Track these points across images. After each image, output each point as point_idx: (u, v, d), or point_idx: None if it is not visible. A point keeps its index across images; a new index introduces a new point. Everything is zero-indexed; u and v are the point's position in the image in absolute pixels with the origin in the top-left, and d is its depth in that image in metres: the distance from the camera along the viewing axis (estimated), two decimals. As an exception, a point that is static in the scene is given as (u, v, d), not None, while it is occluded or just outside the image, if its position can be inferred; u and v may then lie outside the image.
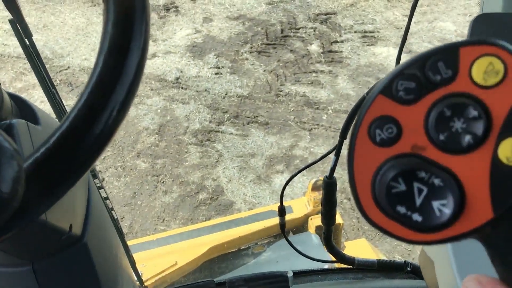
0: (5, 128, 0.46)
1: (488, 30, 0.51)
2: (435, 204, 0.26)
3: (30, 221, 0.34)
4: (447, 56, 0.26)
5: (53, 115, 0.95)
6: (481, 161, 0.25)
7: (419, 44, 3.82)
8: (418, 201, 0.26)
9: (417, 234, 0.27)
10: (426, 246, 0.30)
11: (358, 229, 2.53)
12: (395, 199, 0.26)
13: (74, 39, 4.08)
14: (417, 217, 0.26)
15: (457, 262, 0.38)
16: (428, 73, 0.26)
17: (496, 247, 0.27)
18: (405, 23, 4.27)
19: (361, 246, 1.72)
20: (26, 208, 0.34)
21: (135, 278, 1.15)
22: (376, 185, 0.27)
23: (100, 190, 0.95)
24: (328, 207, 0.93)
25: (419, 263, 0.44)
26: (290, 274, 0.80)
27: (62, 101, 0.91)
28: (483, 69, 0.25)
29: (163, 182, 2.85)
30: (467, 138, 0.25)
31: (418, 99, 0.26)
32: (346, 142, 0.83)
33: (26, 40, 0.82)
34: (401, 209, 0.26)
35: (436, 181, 0.26)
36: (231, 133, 3.15)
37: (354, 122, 0.28)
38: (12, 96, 0.54)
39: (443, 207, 0.26)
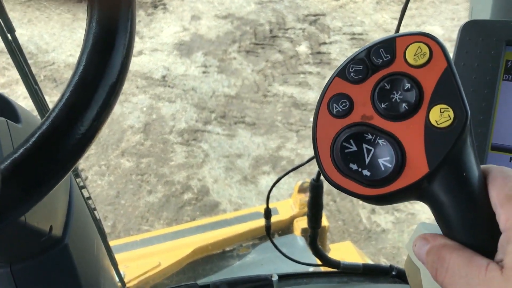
0: (-18, 126, 0.44)
1: (476, 37, 0.52)
2: (381, 161, 0.31)
3: (7, 225, 0.32)
4: (387, 44, 0.32)
5: (36, 112, 0.93)
6: (416, 125, 0.31)
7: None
8: (367, 159, 0.32)
9: (367, 189, 0.32)
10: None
11: (343, 231, 2.54)
12: (348, 158, 0.32)
13: (60, 35, 4.02)
14: (366, 172, 0.31)
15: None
16: (372, 58, 0.32)
17: (433, 201, 0.32)
18: (393, 26, 4.31)
19: (346, 249, 1.73)
20: (3, 211, 0.32)
21: (117, 279, 1.13)
22: (334, 149, 0.33)
23: (82, 190, 0.93)
24: (314, 210, 0.92)
25: (404, 269, 0.44)
26: (275, 278, 0.79)
27: (44, 98, 0.89)
28: (414, 52, 0.32)
29: (147, 182, 2.83)
30: (404, 106, 0.31)
31: (365, 78, 0.33)
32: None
33: (8, 35, 0.80)
34: (353, 166, 0.32)
35: (381, 142, 0.31)
36: (218, 133, 3.13)
37: (317, 100, 0.34)
38: (-9, 94, 0.52)
39: (387, 163, 0.31)
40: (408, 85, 0.31)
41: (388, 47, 0.32)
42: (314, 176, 0.90)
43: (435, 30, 4.12)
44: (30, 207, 0.34)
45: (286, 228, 1.82)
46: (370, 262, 1.63)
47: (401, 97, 0.32)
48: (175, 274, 1.61)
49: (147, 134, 3.14)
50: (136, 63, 3.72)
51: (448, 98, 0.31)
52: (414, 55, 0.32)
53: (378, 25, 4.21)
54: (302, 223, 1.76)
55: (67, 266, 0.60)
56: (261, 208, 1.90)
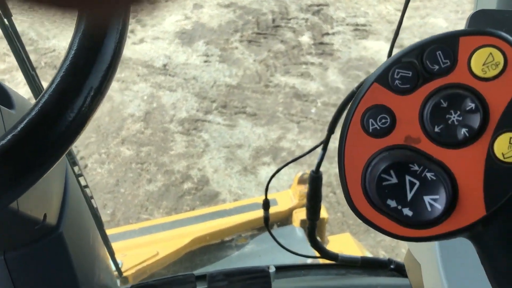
0: (-26, 111, 0.43)
1: (485, 27, 0.50)
2: (427, 199, 0.25)
3: (-6, 212, 0.32)
4: (446, 45, 0.25)
5: (34, 99, 0.92)
6: (476, 156, 0.25)
7: (410, 40, 3.81)
8: (410, 195, 0.25)
9: (407, 230, 0.26)
10: (415, 242, 0.29)
11: (342, 223, 2.54)
12: (386, 192, 0.25)
13: (61, 22, 3.99)
14: (407, 211, 0.25)
15: (445, 266, 0.38)
16: (426, 62, 0.25)
17: (486, 246, 0.26)
18: (397, 18, 4.26)
19: (345, 241, 1.72)
20: None
21: (114, 268, 1.13)
22: (367, 177, 0.26)
23: (79, 178, 0.92)
24: (313, 201, 0.92)
25: (404, 264, 0.43)
26: (272, 270, 0.78)
27: (41, 84, 0.88)
28: (483, 61, 0.25)
29: (147, 170, 2.82)
30: (463, 132, 0.25)
31: (414, 89, 0.26)
32: (335, 136, 0.82)
33: (5, 20, 0.79)
34: (392, 203, 0.25)
35: (429, 175, 0.25)
36: (219, 123, 3.12)
37: (347, 110, 0.27)
38: (-16, 78, 0.52)
39: (435, 202, 0.25)
40: (471, 105, 0.24)
41: (448, 49, 0.25)
42: (314, 167, 0.89)
43: (439, 22, 4.08)
44: (19, 194, 0.33)
45: (285, 219, 1.82)
46: (368, 254, 1.63)
47: (461, 119, 0.25)
48: (173, 263, 1.61)
49: (147, 123, 3.13)
50: (138, 51, 3.70)
51: None
52: (483, 64, 0.25)
53: (382, 16, 4.18)
54: (301, 214, 1.75)
55: (62, 254, 0.59)
56: (260, 199, 1.89)
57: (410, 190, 0.25)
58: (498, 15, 0.51)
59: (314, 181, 0.89)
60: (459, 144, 0.25)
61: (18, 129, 0.31)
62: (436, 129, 0.25)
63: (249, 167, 2.83)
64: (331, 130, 0.82)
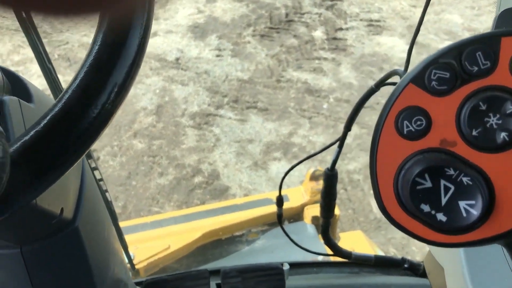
0: (-5, 105, 0.43)
1: None
2: (462, 204, 0.24)
3: (16, 210, 0.31)
4: (487, 46, 0.24)
5: (49, 91, 0.92)
6: None
7: (425, 36, 3.77)
8: (444, 200, 0.24)
9: (441, 236, 0.25)
10: (447, 248, 0.28)
11: (353, 220, 2.53)
12: (419, 196, 0.24)
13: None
14: (441, 216, 0.24)
15: (470, 270, 0.37)
16: (464, 63, 0.24)
17: None
18: (411, 13, 4.22)
19: (357, 238, 1.71)
20: (12, 195, 0.31)
21: (127, 261, 1.14)
22: (400, 180, 0.25)
23: (94, 171, 0.92)
24: (328, 199, 0.91)
25: (425, 266, 0.42)
26: (286, 267, 0.78)
27: (58, 77, 0.88)
28: None
29: (159, 164, 2.83)
30: (502, 136, 0.24)
31: (451, 90, 0.25)
32: (350, 133, 0.81)
33: (23, 12, 0.79)
34: (425, 208, 0.24)
35: (465, 180, 0.24)
36: (230, 118, 3.12)
37: (380, 111, 0.26)
38: (4, 71, 0.51)
39: (470, 208, 0.24)
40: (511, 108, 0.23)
41: (489, 50, 0.24)
42: (325, 164, 0.88)
43: (454, 19, 4.03)
44: (41, 192, 0.33)
45: (296, 215, 1.82)
46: (380, 253, 1.62)
47: (500, 122, 0.24)
48: (185, 257, 1.62)
49: (159, 116, 3.13)
50: (150, 45, 3.70)
51: None
52: None
53: (396, 12, 4.13)
54: (312, 210, 1.75)
55: (77, 248, 0.59)
56: (271, 195, 1.89)
57: (445, 195, 0.24)
58: None
59: (329, 179, 0.88)
60: (497, 149, 0.24)
61: (41, 125, 0.31)
62: (474, 133, 0.24)
63: (260, 162, 2.83)
64: (348, 127, 0.81)
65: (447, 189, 0.24)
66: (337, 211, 1.77)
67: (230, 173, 2.78)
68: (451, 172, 0.24)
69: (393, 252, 2.39)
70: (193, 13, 4.10)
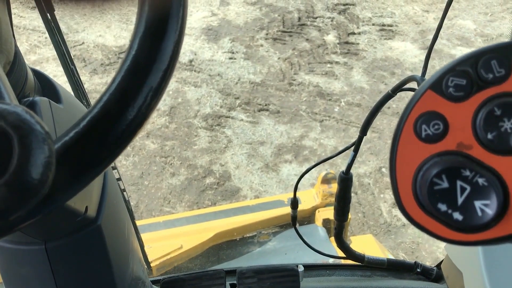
0: (27, 105, 0.45)
1: None
2: (478, 204, 0.25)
3: (55, 208, 0.33)
4: (502, 54, 0.25)
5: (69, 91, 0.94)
6: None
7: (438, 41, 3.75)
8: (460, 199, 0.25)
9: (457, 234, 0.26)
10: (457, 251, 0.29)
11: (363, 223, 2.53)
12: (437, 196, 0.26)
13: (90, 15, 4.06)
14: (458, 216, 0.25)
15: (489, 275, 0.37)
16: (480, 71, 0.26)
17: None
18: (424, 19, 4.19)
19: (367, 242, 1.72)
20: (54, 194, 0.32)
21: (144, 260, 1.15)
22: (418, 181, 0.27)
23: (113, 171, 0.94)
24: (342, 203, 0.91)
25: (443, 271, 0.43)
26: (301, 269, 0.79)
27: (80, 78, 0.90)
28: None
29: (171, 164, 2.85)
30: None
31: (467, 96, 0.26)
32: (365, 138, 0.82)
33: (48, 14, 0.81)
34: (442, 207, 0.26)
35: (480, 181, 0.25)
36: (242, 120, 3.14)
37: (400, 116, 0.27)
38: (36, 73, 0.53)
39: (486, 208, 0.25)
40: None
41: (504, 58, 0.25)
42: (336, 167, 0.89)
43: (467, 24, 4.02)
44: (79, 190, 0.34)
45: (308, 217, 1.82)
46: (391, 257, 1.62)
47: None
48: (197, 257, 1.63)
49: (172, 117, 3.16)
50: (164, 46, 3.72)
51: None
52: None
53: (409, 17, 4.13)
54: (324, 213, 1.75)
55: (99, 246, 0.60)
56: (283, 197, 1.90)
57: (461, 195, 0.26)
58: None
59: (344, 182, 0.89)
60: (511, 152, 0.25)
61: (81, 126, 0.32)
62: (489, 136, 0.26)
63: (271, 164, 2.84)
64: (363, 132, 0.81)
65: (463, 189, 0.25)
66: (349, 215, 1.78)
67: (241, 174, 2.79)
68: (467, 173, 0.25)
69: (403, 257, 2.38)
70: (207, 15, 4.12)
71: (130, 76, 0.33)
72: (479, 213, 0.25)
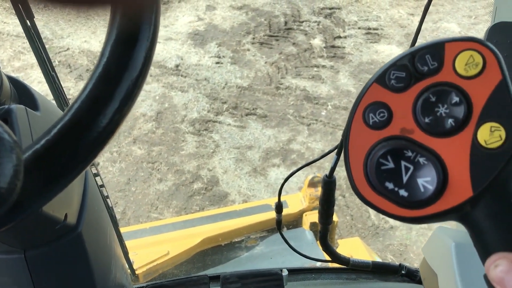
0: (3, 113, 0.44)
1: (504, 39, 0.51)
2: (420, 181, 0.28)
3: (28, 215, 0.32)
4: (434, 50, 0.29)
5: (50, 97, 0.93)
6: (462, 144, 0.28)
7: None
8: (405, 178, 0.29)
9: (403, 210, 0.29)
10: (431, 253, 0.31)
11: (351, 226, 2.53)
12: (384, 175, 0.29)
13: (75, 21, 4.03)
14: (403, 192, 0.29)
15: (462, 276, 0.38)
16: (417, 65, 0.29)
17: (475, 225, 0.29)
18: (409, 22, 4.23)
19: (355, 245, 1.72)
20: (24, 201, 0.32)
21: (127, 267, 1.14)
22: (368, 164, 0.30)
23: (96, 178, 0.93)
24: (326, 206, 0.92)
25: (420, 272, 0.44)
26: (285, 273, 0.79)
27: (61, 84, 0.89)
28: (465, 62, 0.29)
29: (158, 170, 2.84)
30: (449, 122, 0.28)
31: (407, 87, 0.30)
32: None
33: (27, 21, 0.81)
34: (389, 185, 0.29)
35: (421, 160, 0.29)
36: (229, 124, 3.13)
37: (351, 107, 0.31)
38: (12, 80, 0.52)
39: (427, 184, 0.28)
40: (456, 99, 0.28)
41: (436, 53, 0.29)
42: (323, 170, 0.89)
43: (451, 27, 4.06)
44: (51, 198, 0.34)
45: (295, 221, 1.83)
46: (378, 259, 1.63)
47: (447, 111, 0.29)
48: (184, 263, 1.62)
49: (159, 123, 3.15)
50: (150, 51, 3.71)
51: (500, 116, 0.28)
52: (465, 65, 0.29)
53: (394, 20, 4.16)
54: (311, 217, 1.76)
55: (80, 253, 0.60)
56: (270, 201, 1.90)
57: (406, 174, 0.29)
58: None
59: (327, 186, 0.89)
60: (446, 133, 0.29)
61: (52, 134, 0.32)
62: (427, 120, 0.29)
63: (259, 168, 2.84)
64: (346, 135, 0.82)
65: (407, 168, 0.29)
66: (335, 217, 1.78)
67: (229, 179, 2.79)
68: (410, 154, 0.29)
69: (391, 259, 2.40)
70: (193, 20, 4.12)
71: (101, 84, 0.33)
72: (422, 189, 0.28)
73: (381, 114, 0.30)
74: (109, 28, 0.34)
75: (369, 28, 4.06)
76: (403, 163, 0.29)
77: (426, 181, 0.28)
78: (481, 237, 0.29)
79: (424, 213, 0.29)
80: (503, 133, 0.28)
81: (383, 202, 0.29)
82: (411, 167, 0.29)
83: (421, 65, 0.29)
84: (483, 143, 0.28)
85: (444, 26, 4.08)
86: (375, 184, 0.29)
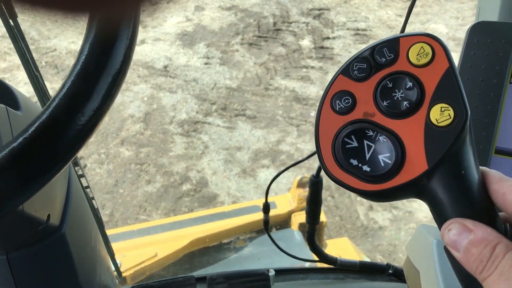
0: (-18, 112, 0.44)
1: (484, 39, 0.51)
2: (381, 157, 0.32)
3: (3, 215, 0.32)
4: (390, 44, 0.33)
5: (35, 98, 0.92)
6: (416, 123, 0.32)
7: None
8: (368, 155, 0.32)
9: (366, 185, 0.32)
10: (415, 251, 0.33)
11: (340, 227, 2.54)
12: (349, 153, 0.32)
13: (62, 22, 4.00)
14: (366, 168, 0.32)
15: (443, 274, 0.39)
16: (376, 57, 0.33)
17: (431, 198, 0.32)
18: (398, 23, 4.25)
19: (343, 245, 1.73)
20: (0, 200, 0.32)
21: (114, 269, 1.13)
22: (335, 145, 0.33)
23: (81, 179, 0.93)
24: (313, 206, 0.92)
25: (404, 270, 0.44)
26: (272, 273, 0.79)
27: (45, 85, 0.88)
28: (416, 52, 0.32)
29: (146, 171, 2.82)
30: (405, 104, 0.32)
31: (368, 77, 0.33)
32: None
33: (10, 21, 0.80)
34: (354, 162, 0.32)
35: (381, 138, 0.32)
36: (218, 125, 3.13)
37: (321, 97, 0.34)
38: (-8, 79, 0.52)
39: (387, 159, 0.31)
40: (410, 84, 0.32)
41: (392, 46, 0.33)
42: (313, 171, 0.89)
43: (439, 28, 4.10)
44: (27, 198, 0.33)
45: (284, 222, 1.83)
46: (366, 259, 1.63)
47: (403, 95, 0.32)
48: (172, 265, 1.62)
49: (147, 124, 3.13)
50: (138, 52, 3.70)
51: (448, 98, 0.31)
52: (417, 55, 0.32)
53: (382, 21, 4.19)
54: (300, 217, 1.76)
55: (64, 255, 0.59)
56: (259, 202, 1.90)
57: (368, 151, 0.32)
58: (497, 27, 0.52)
59: (314, 185, 0.90)
60: (403, 115, 0.32)
61: (29, 132, 0.32)
62: (385, 104, 0.32)
63: (248, 169, 2.84)
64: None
65: (369, 147, 0.32)
66: (323, 218, 1.79)
67: (218, 180, 2.78)
68: (371, 133, 0.32)
69: (380, 259, 2.41)
70: (182, 21, 4.11)
71: (79, 81, 0.32)
72: (382, 164, 0.31)
73: (346, 101, 0.33)
74: (88, 25, 0.34)
75: (358, 29, 4.08)
76: (365, 142, 0.32)
77: (386, 156, 0.31)
78: (437, 208, 0.32)
79: (385, 186, 0.32)
80: (451, 112, 0.31)
81: (349, 178, 0.33)
82: (373, 145, 0.32)
83: (379, 57, 0.33)
84: (435, 122, 0.31)
85: (432, 27, 4.11)
86: (342, 162, 0.33)
